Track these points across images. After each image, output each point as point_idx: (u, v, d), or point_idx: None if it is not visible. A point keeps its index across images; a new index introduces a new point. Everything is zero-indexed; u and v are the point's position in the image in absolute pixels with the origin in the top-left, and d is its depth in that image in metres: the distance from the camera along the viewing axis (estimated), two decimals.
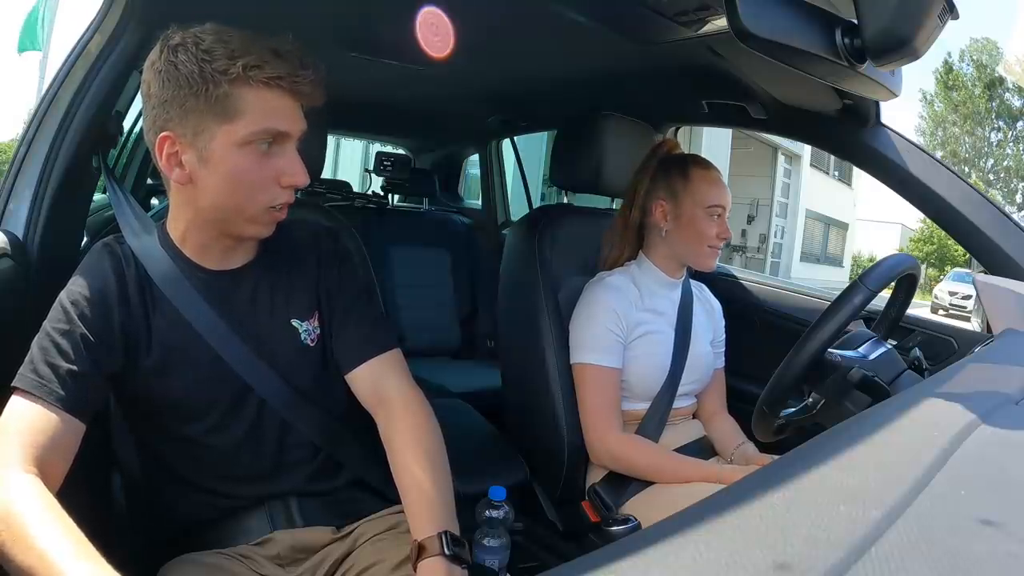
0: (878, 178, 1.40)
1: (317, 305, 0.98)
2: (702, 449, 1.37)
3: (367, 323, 0.99)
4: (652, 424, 1.32)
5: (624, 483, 1.28)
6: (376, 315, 1.02)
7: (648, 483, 1.27)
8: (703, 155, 1.45)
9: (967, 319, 11.69)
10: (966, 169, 24.30)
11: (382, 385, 0.95)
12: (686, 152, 1.43)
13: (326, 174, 2.37)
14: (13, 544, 0.65)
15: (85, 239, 1.30)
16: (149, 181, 2.33)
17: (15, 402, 0.77)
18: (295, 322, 0.95)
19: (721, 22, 1.15)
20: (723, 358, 1.49)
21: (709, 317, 1.47)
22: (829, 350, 1.08)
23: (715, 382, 1.46)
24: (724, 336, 1.50)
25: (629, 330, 1.32)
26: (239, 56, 0.79)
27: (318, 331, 0.97)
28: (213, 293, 0.91)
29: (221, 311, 0.90)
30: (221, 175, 0.83)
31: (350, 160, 7.82)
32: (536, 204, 3.03)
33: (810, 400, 1.14)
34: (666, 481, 1.24)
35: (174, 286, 0.89)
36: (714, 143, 9.53)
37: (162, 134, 0.82)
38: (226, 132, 0.81)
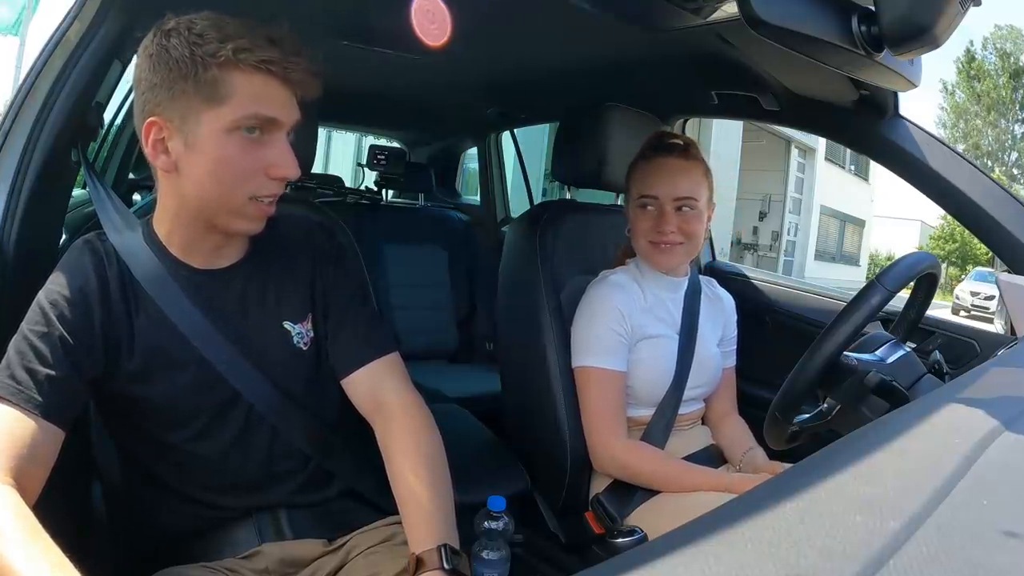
0: (896, 172, 1.37)
1: (311, 306, 0.96)
2: (710, 457, 1.34)
3: (364, 325, 0.97)
4: (657, 431, 1.28)
5: (629, 493, 1.25)
6: (373, 317, 1.00)
7: (654, 492, 1.24)
8: (712, 149, 1.42)
9: (990, 320, 11.80)
10: (988, 163, 24.42)
11: (380, 390, 0.93)
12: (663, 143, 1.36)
13: (317, 168, 2.33)
14: None
15: (64, 236, 1.27)
16: (131, 176, 2.30)
17: None
18: (287, 324, 0.93)
19: (731, 8, 1.11)
20: (734, 356, 1.45)
21: (718, 315, 1.43)
22: (845, 353, 1.05)
23: (725, 382, 1.42)
24: (735, 333, 1.46)
25: (633, 331, 1.29)
26: (231, 39, 0.78)
27: (311, 334, 0.95)
28: (200, 293, 0.88)
29: (208, 312, 0.88)
30: (207, 162, 0.81)
31: (342, 154, 7.81)
32: (537, 200, 3.01)
33: (825, 406, 1.12)
34: (673, 490, 1.21)
35: (158, 285, 0.86)
36: (724, 136, 9.45)
37: (149, 119, 0.81)
38: (213, 116, 0.79)
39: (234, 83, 0.79)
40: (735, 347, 1.45)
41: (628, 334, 1.28)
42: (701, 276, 1.45)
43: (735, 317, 1.46)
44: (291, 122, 0.84)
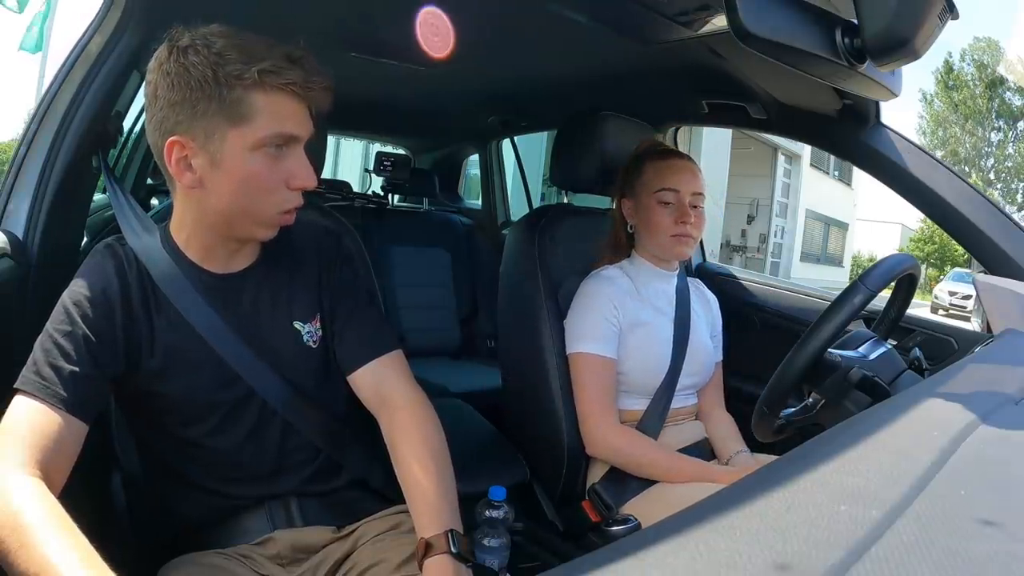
0: (878, 178, 1.39)
1: (319, 307, 0.98)
2: (702, 451, 1.36)
3: (369, 325, 0.99)
4: (651, 422, 1.30)
5: (624, 483, 1.27)
6: (378, 317, 1.02)
7: (648, 483, 1.26)
8: (703, 156, 1.44)
9: (967, 319, 11.74)
10: (966, 169, 24.42)
11: (385, 386, 0.95)
12: (670, 148, 1.40)
13: (326, 174, 2.35)
14: (18, 551, 0.65)
15: (86, 239, 1.29)
16: (149, 181, 2.32)
17: (18, 404, 0.77)
18: (297, 324, 0.96)
19: (721, 22, 1.15)
20: (720, 353, 1.48)
21: (706, 311, 1.46)
22: (829, 350, 1.07)
23: (713, 378, 1.45)
24: (721, 329, 1.49)
25: (625, 319, 1.31)
26: (254, 61, 0.79)
27: (319, 333, 0.97)
28: (216, 296, 0.91)
29: (223, 314, 0.90)
30: (233, 178, 0.83)
31: (350, 160, 7.81)
32: (536, 204, 3.03)
33: (810, 400, 1.14)
34: (661, 477, 1.24)
35: (176, 288, 0.89)
36: (714, 143, 9.51)
37: (171, 138, 0.82)
38: (238, 135, 0.81)
39: (257, 103, 0.80)
40: (721, 344, 1.48)
41: (619, 322, 1.30)
42: (689, 279, 1.47)
43: (720, 316, 1.50)
44: (308, 135, 0.87)
